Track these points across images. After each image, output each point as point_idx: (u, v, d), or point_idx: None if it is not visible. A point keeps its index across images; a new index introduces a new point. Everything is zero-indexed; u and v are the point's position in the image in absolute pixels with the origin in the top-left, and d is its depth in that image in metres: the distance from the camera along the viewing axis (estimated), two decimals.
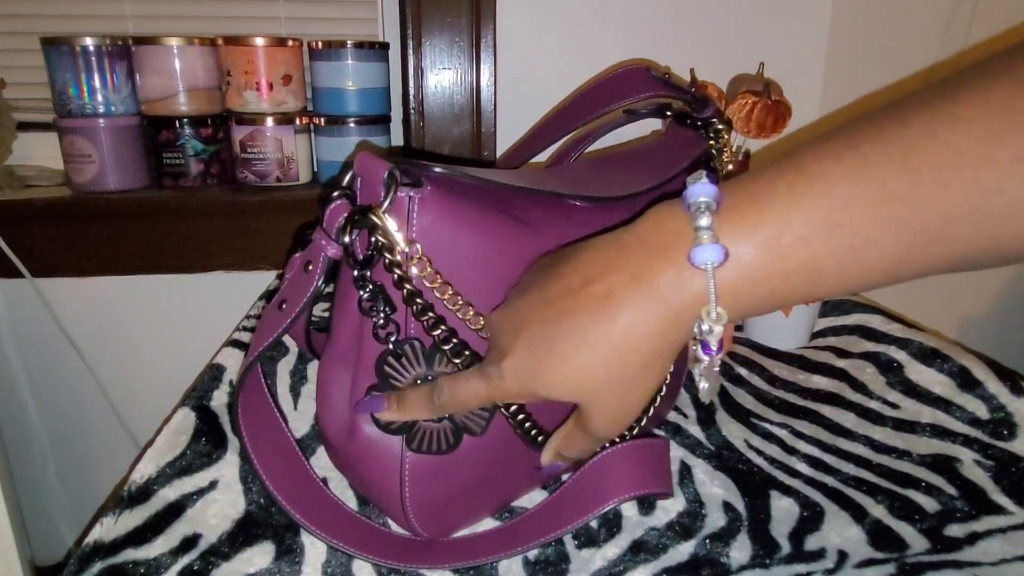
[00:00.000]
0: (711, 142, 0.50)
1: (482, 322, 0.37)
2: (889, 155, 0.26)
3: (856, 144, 0.28)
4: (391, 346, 0.37)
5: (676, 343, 0.32)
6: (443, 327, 0.36)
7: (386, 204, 0.34)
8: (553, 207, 0.40)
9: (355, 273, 0.36)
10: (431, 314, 0.36)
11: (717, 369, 0.33)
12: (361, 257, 0.36)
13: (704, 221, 0.29)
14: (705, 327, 0.30)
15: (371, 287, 0.36)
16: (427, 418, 0.39)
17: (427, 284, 0.36)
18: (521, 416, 0.39)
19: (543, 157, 0.68)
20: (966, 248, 0.26)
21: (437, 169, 0.35)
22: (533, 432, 0.39)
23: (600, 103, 0.56)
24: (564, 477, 0.47)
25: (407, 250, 0.35)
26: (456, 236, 0.36)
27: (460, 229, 0.36)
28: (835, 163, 0.28)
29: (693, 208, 0.29)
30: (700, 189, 0.29)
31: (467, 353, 0.37)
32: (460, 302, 0.37)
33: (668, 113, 0.53)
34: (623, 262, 0.31)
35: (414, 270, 0.35)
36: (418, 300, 0.36)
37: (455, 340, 0.36)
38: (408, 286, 0.35)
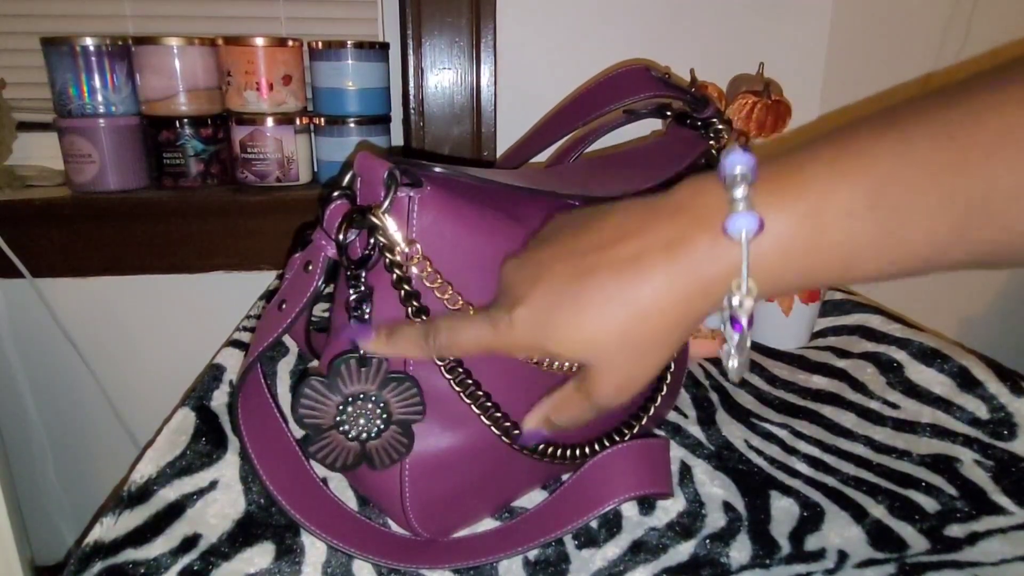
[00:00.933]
0: (711, 142, 0.50)
1: None
2: (934, 134, 0.26)
3: (899, 124, 0.27)
4: (362, 351, 0.37)
5: (699, 314, 0.31)
6: (425, 317, 0.36)
7: (386, 204, 0.35)
8: (552, 207, 0.40)
9: (347, 272, 0.36)
10: (425, 317, 0.36)
11: (748, 345, 0.31)
12: (356, 257, 0.36)
13: (740, 192, 0.28)
14: (735, 301, 0.29)
15: (362, 288, 0.36)
16: (417, 357, 0.37)
17: (427, 284, 0.36)
18: (461, 372, 0.37)
19: (543, 157, 0.68)
20: (1003, 235, 0.26)
21: (437, 169, 0.35)
22: (478, 394, 0.38)
23: (600, 103, 0.56)
24: (564, 477, 0.47)
25: (407, 250, 0.35)
26: (456, 236, 0.36)
27: (459, 229, 0.36)
28: (878, 141, 0.27)
29: (729, 179, 0.29)
30: (736, 158, 0.28)
31: (451, 358, 0.37)
32: (460, 302, 0.37)
33: (668, 113, 0.53)
34: (657, 227, 0.30)
35: (414, 270, 0.35)
36: (415, 302, 0.36)
37: None
38: (407, 287, 0.35)
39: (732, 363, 0.31)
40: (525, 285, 0.33)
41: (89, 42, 0.78)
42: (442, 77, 0.86)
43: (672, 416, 0.56)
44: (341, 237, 0.35)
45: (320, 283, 0.37)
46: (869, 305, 0.74)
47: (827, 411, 0.57)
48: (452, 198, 0.36)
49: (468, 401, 0.38)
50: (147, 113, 0.82)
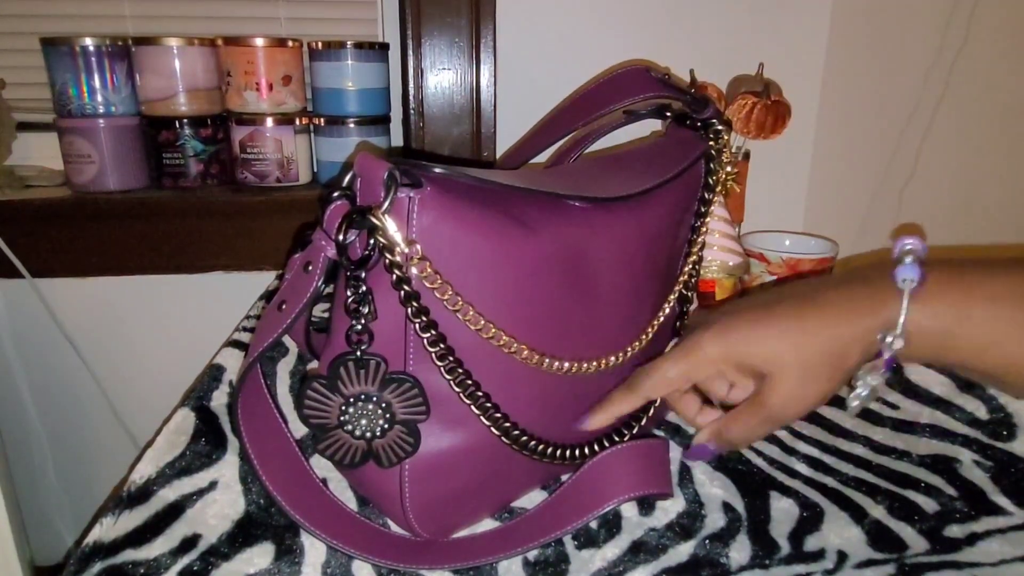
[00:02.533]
0: (710, 142, 0.50)
1: (483, 322, 0.37)
2: None
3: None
4: (359, 353, 0.37)
5: (856, 359, 0.37)
6: (434, 331, 0.36)
7: (386, 204, 0.34)
8: (551, 207, 0.40)
9: (347, 273, 0.36)
10: (424, 318, 0.36)
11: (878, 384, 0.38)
12: (356, 258, 0.36)
13: (909, 258, 0.35)
14: (889, 339, 0.35)
15: (361, 290, 0.36)
16: (628, 409, 0.44)
17: (427, 285, 0.36)
18: (461, 372, 0.38)
19: (543, 158, 0.68)
20: None
21: (437, 169, 0.35)
22: (477, 395, 0.38)
23: (600, 104, 0.56)
24: (564, 477, 0.47)
25: (407, 251, 0.35)
26: (456, 237, 0.36)
27: (460, 230, 0.36)
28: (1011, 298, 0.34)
29: (899, 252, 0.36)
30: (905, 242, 0.36)
31: (451, 359, 0.37)
32: (460, 303, 0.37)
33: (668, 114, 0.53)
34: (827, 290, 0.38)
35: (414, 271, 0.35)
36: (415, 303, 0.36)
37: (442, 345, 0.37)
38: (407, 287, 0.35)
39: (862, 392, 0.39)
40: (712, 318, 0.40)
41: (89, 42, 0.78)
42: (442, 77, 0.86)
43: (672, 416, 0.56)
44: (341, 238, 0.35)
45: (320, 283, 0.37)
46: None
47: (826, 411, 0.57)
48: (452, 198, 0.36)
49: (468, 402, 0.38)
50: (147, 113, 0.82)
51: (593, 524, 0.44)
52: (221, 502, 0.45)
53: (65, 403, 0.99)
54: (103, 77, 0.79)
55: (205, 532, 0.42)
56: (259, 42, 0.79)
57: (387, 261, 0.35)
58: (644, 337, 0.46)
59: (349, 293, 0.36)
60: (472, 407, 0.38)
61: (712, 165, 0.50)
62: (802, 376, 0.37)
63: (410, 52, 0.85)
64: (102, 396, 0.97)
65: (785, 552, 0.42)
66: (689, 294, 0.51)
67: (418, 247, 0.35)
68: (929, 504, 0.46)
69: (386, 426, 0.38)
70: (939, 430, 0.54)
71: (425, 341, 0.36)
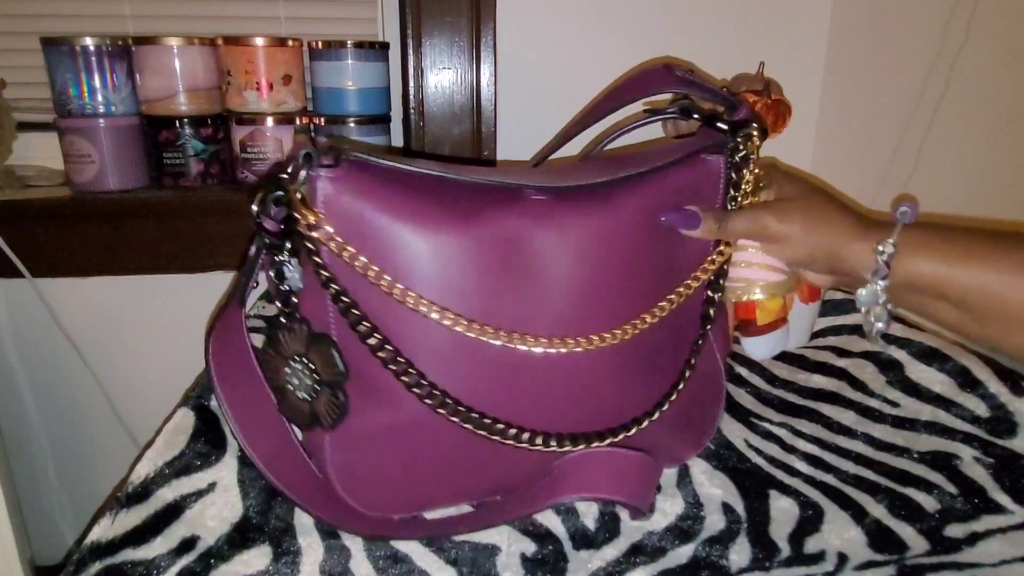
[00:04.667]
0: (738, 146, 0.47)
1: (400, 288, 0.39)
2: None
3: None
4: (283, 318, 0.41)
5: (847, 261, 0.45)
6: (346, 299, 0.39)
7: (300, 178, 0.37)
8: (508, 200, 0.41)
9: (265, 241, 0.39)
10: (335, 287, 0.38)
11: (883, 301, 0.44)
12: (272, 228, 0.39)
13: (905, 206, 0.44)
14: (881, 248, 0.43)
15: (278, 257, 0.39)
16: (705, 232, 0.47)
17: (336, 253, 0.38)
18: (378, 337, 0.39)
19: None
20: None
21: (357, 153, 0.38)
22: (394, 356, 0.39)
23: (621, 102, 0.55)
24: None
25: (312, 221, 0.37)
26: (370, 214, 0.38)
27: (375, 207, 0.38)
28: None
29: (899, 206, 0.44)
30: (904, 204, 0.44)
31: (366, 324, 0.39)
32: (374, 272, 0.38)
33: (695, 116, 0.50)
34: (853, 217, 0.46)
35: (325, 242, 0.38)
36: (324, 272, 0.38)
37: (355, 312, 0.39)
38: (316, 257, 0.38)
39: (877, 322, 0.45)
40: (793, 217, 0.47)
41: (89, 42, 0.78)
42: (442, 77, 0.86)
43: None
44: (254, 207, 0.38)
45: (252, 250, 0.40)
46: None
47: (827, 409, 0.57)
48: (367, 179, 0.39)
49: (392, 369, 0.39)
50: (147, 113, 0.82)
51: (591, 525, 0.44)
52: (219, 504, 0.45)
53: (65, 403, 0.99)
54: (103, 77, 0.79)
55: (203, 534, 0.42)
56: (259, 42, 0.79)
57: (296, 231, 0.38)
58: (629, 329, 0.44)
59: (269, 260, 0.40)
60: (394, 374, 0.39)
61: (737, 172, 0.47)
62: (814, 212, 0.46)
63: (410, 51, 0.84)
64: (102, 396, 0.97)
65: (785, 554, 0.42)
66: (715, 296, 0.48)
67: (323, 217, 0.38)
68: (929, 503, 0.46)
69: (316, 387, 0.41)
70: (939, 427, 0.54)
71: (339, 309, 0.39)
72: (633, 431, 0.44)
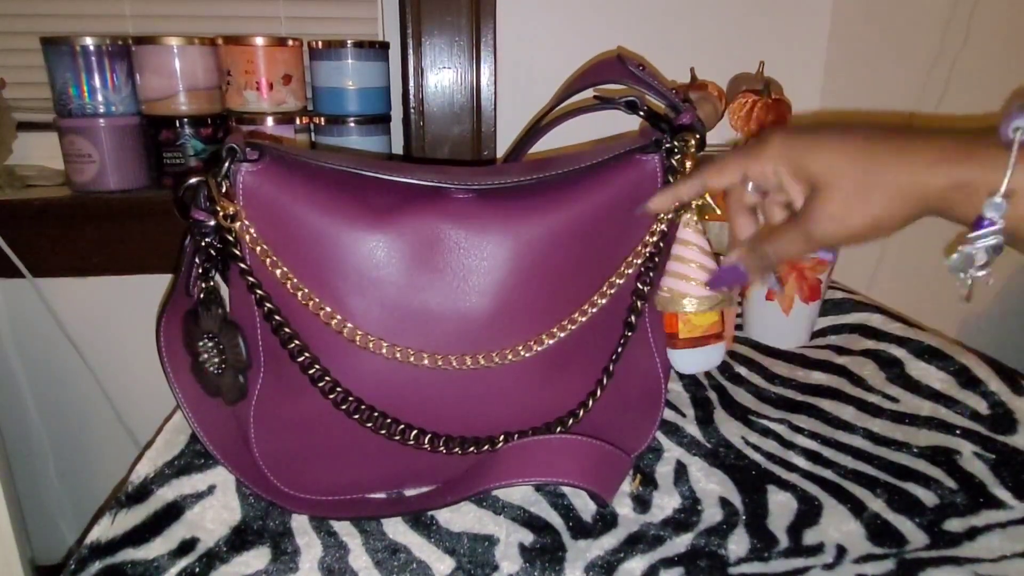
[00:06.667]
0: (674, 152, 0.46)
1: (305, 290, 0.41)
2: None
3: None
4: (201, 296, 0.43)
5: (918, 207, 0.35)
6: (260, 291, 0.41)
7: (223, 170, 0.39)
8: (431, 198, 0.42)
9: (193, 232, 0.41)
10: (243, 265, 0.41)
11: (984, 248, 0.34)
12: (197, 217, 0.41)
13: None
14: (996, 197, 0.32)
15: (202, 243, 0.42)
16: (688, 193, 0.45)
17: (250, 246, 0.40)
18: (287, 332, 0.41)
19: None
20: None
21: (281, 149, 0.40)
22: (299, 350, 0.41)
23: (575, 92, 0.55)
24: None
25: (231, 211, 0.39)
26: (288, 208, 0.40)
27: (293, 203, 0.40)
28: None
29: (1013, 107, 0.33)
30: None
31: (278, 318, 0.41)
32: (282, 268, 0.40)
33: (641, 112, 0.48)
34: (923, 140, 0.35)
35: (238, 230, 0.40)
36: (235, 251, 0.40)
37: (269, 305, 0.41)
38: (232, 248, 0.40)
39: (980, 272, 0.35)
40: (773, 132, 0.40)
41: (89, 42, 0.78)
42: (442, 76, 0.86)
43: (670, 415, 0.56)
44: (179, 192, 0.40)
45: (188, 241, 0.43)
46: (870, 304, 0.74)
47: (826, 404, 0.57)
48: (287, 175, 0.40)
49: (296, 360, 0.41)
50: (147, 113, 0.82)
51: (588, 518, 0.44)
52: (218, 507, 0.45)
53: (65, 402, 0.99)
54: (103, 77, 0.79)
55: (203, 536, 0.42)
56: (259, 41, 0.79)
57: (214, 217, 0.40)
58: (553, 334, 0.44)
59: (187, 242, 0.43)
60: (300, 368, 0.41)
61: (673, 175, 0.46)
62: (853, 193, 0.36)
63: (410, 51, 0.85)
64: (102, 396, 0.97)
65: (784, 545, 0.42)
66: (639, 303, 0.47)
67: (241, 209, 0.40)
68: (929, 497, 0.46)
69: (222, 366, 0.44)
70: (939, 422, 0.54)
71: (254, 299, 0.41)
72: (558, 430, 0.45)
